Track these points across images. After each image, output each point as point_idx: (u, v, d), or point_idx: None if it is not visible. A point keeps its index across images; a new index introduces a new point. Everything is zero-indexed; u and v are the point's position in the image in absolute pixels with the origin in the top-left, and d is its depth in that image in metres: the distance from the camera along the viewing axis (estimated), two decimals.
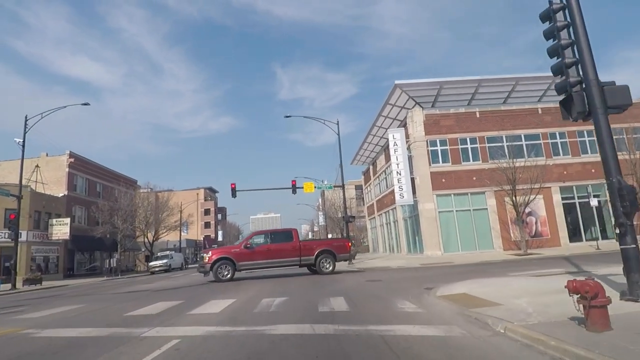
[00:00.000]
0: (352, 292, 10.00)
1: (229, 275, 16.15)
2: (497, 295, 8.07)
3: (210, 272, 16.18)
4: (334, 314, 6.94)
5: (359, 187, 77.19)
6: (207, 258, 16.60)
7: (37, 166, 37.72)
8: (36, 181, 37.16)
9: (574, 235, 28.40)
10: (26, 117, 25.70)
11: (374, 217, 44.63)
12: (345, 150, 29.00)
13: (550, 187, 27.77)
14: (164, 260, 40.49)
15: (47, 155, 40.42)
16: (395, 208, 34.69)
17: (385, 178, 37.85)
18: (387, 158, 35.56)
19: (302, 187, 29.74)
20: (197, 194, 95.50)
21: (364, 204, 70.26)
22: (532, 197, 24.42)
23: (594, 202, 25.20)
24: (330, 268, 17.21)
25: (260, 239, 17.61)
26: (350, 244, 19.53)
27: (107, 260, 36.38)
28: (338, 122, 28.85)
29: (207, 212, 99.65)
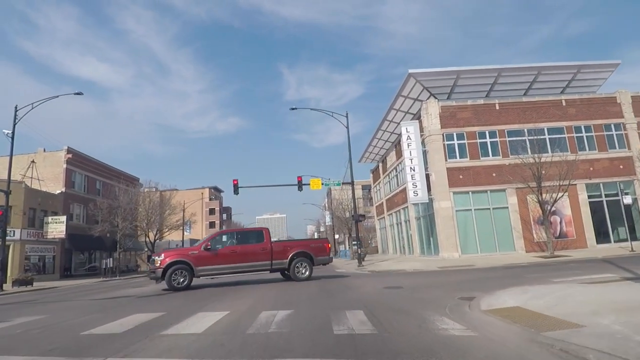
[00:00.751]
0: (371, 303, 8.15)
1: (185, 283, 13.62)
2: (565, 311, 6.17)
3: (163, 279, 13.56)
4: (355, 337, 5.10)
5: (365, 187, 75.07)
6: (159, 262, 13.70)
7: (32, 161, 36.22)
8: (31, 177, 35.66)
9: (601, 236, 26.36)
10: (16, 107, 24.11)
11: (384, 217, 42.68)
12: (352, 150, 27.09)
13: (575, 185, 25.67)
14: None
15: (44, 150, 38.96)
16: (407, 207, 32.74)
17: (397, 175, 35.92)
18: (399, 154, 33.63)
19: (309, 184, 27.91)
20: (202, 193, 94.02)
21: (371, 204, 68.23)
22: (560, 194, 22.41)
23: (627, 200, 23.10)
24: (307, 274, 14.94)
25: (224, 240, 15.05)
26: (330, 245, 16.36)
27: (104, 261, 34.72)
28: (347, 114, 27.00)
29: (211, 211, 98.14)
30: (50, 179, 37.61)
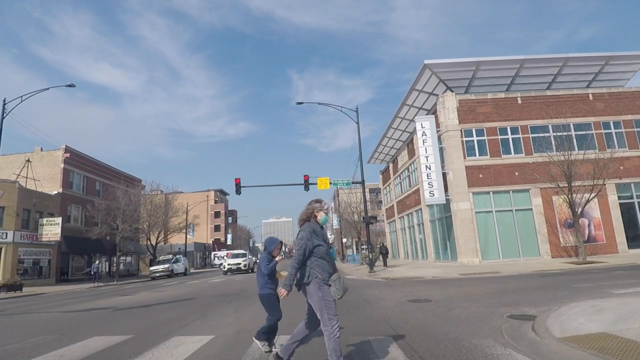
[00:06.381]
0: (400, 326, 6.29)
1: None
2: None
3: None
4: None
5: (372, 191, 73.12)
6: None
7: (28, 160, 34.74)
8: (26, 177, 34.17)
9: (633, 241, 24.24)
10: (4, 100, 22.58)
11: (394, 220, 40.71)
12: (359, 154, 25.27)
13: (605, 185, 23.62)
14: (166, 265, 37.12)
15: (41, 149, 37.50)
16: (420, 209, 30.80)
17: (409, 176, 33.99)
18: (411, 153, 31.74)
19: (316, 184, 26.09)
20: (207, 195, 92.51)
21: (379, 208, 66.19)
22: (592, 195, 20.41)
23: None
24: None
25: None
26: None
27: (93, 265, 32.84)
28: (357, 108, 25.18)
29: (217, 214, 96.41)
30: (47, 179, 36.13)
